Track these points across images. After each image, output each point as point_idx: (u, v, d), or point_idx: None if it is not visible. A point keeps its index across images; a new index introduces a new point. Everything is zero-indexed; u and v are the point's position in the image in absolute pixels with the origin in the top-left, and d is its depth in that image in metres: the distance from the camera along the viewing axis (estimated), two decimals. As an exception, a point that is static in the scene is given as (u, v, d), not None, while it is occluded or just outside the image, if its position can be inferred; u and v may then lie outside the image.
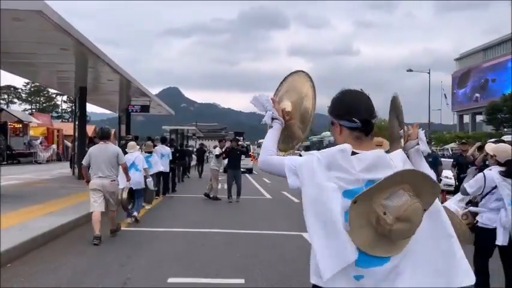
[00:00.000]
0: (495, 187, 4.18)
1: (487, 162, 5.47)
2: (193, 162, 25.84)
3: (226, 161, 13.83)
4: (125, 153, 8.14)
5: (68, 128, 31.22)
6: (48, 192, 11.80)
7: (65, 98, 72.15)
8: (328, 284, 1.67)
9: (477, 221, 4.33)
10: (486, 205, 4.27)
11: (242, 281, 5.15)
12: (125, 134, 21.12)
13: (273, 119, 2.08)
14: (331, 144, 2.01)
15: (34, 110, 65.51)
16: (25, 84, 71.54)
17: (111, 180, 7.09)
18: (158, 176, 12.22)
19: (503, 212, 4.15)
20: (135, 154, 8.95)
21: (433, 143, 39.01)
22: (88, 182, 7.15)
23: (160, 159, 12.00)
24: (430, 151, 3.07)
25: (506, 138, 13.70)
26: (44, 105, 75.31)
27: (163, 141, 13.88)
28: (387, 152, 1.82)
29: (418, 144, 1.94)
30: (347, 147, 1.71)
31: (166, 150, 13.10)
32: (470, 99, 64.05)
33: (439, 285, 1.73)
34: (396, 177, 1.59)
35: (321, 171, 1.70)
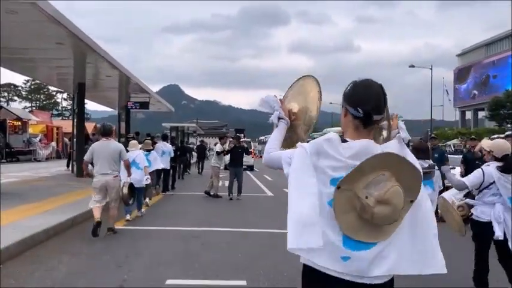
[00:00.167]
0: (493, 182, 4.27)
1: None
2: (194, 159, 25.78)
3: (227, 158, 13.70)
4: (127, 151, 8.22)
5: (68, 126, 31.02)
6: (45, 190, 11.63)
7: (65, 95, 72.14)
8: (315, 260, 1.76)
9: (472, 214, 4.45)
10: (482, 199, 4.38)
11: (244, 282, 4.95)
12: (124, 132, 20.97)
13: (279, 118, 2.21)
14: None
15: (34, 108, 65.36)
16: (25, 82, 71.54)
17: (114, 177, 7.27)
18: (159, 173, 12.06)
19: (498, 206, 4.23)
20: (136, 152, 9.01)
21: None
22: (88, 175, 7.52)
23: (161, 156, 11.83)
24: (410, 137, 3.34)
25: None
26: (44, 103, 75.31)
27: (165, 138, 13.71)
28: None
29: (398, 133, 2.04)
30: (333, 136, 1.79)
31: (168, 147, 12.95)
32: (471, 95, 63.81)
33: (413, 272, 1.80)
34: (375, 159, 1.68)
35: (309, 163, 1.76)
